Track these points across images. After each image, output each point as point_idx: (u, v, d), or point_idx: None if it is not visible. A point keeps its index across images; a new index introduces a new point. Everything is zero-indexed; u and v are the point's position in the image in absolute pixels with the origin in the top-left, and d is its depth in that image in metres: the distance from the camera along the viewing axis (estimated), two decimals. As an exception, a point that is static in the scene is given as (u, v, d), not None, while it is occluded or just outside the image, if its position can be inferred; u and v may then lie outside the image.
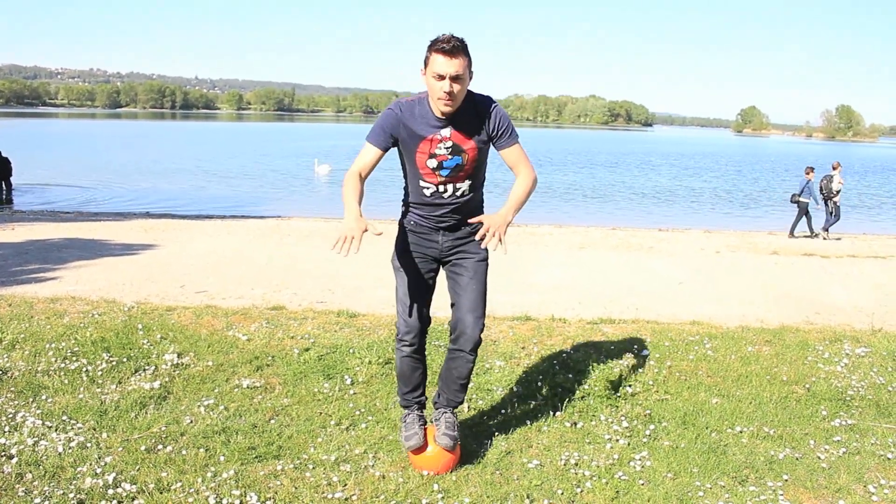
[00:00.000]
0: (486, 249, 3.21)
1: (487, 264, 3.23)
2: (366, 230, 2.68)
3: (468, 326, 3.13)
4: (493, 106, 3.04)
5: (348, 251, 2.62)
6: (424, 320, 3.19)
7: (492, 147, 3.10)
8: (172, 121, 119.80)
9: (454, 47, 2.80)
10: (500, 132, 3.05)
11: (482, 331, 3.16)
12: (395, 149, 3.11)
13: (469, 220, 3.07)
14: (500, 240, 2.85)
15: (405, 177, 3.18)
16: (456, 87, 2.85)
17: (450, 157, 3.01)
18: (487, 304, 3.24)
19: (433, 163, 3.02)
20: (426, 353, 3.37)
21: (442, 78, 2.84)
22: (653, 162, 45.28)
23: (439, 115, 2.96)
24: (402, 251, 3.22)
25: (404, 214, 3.24)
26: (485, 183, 3.25)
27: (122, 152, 37.64)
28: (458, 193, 3.09)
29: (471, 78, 2.93)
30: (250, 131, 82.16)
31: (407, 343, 3.18)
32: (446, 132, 2.98)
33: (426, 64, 2.88)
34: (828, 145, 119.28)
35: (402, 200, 3.26)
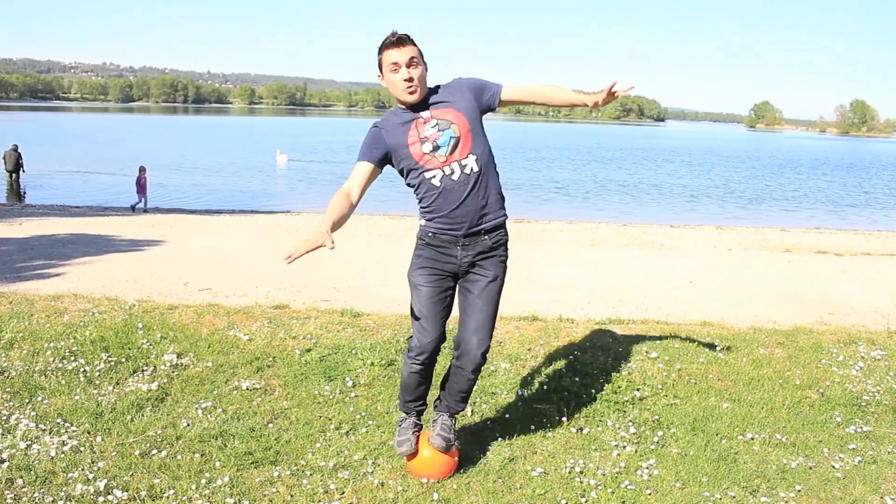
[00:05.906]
0: (503, 269, 3.11)
1: (501, 284, 3.11)
2: (321, 245, 2.63)
3: (471, 348, 3.03)
4: (461, 77, 3.08)
5: (290, 261, 2.62)
6: (439, 340, 3.04)
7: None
8: (184, 115, 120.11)
9: (400, 38, 2.89)
10: (483, 90, 3.05)
11: (487, 351, 3.06)
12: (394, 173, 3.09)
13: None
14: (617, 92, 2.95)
15: (413, 190, 3.06)
16: (414, 73, 2.89)
17: (440, 133, 2.93)
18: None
19: (428, 146, 2.94)
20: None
21: (398, 66, 2.88)
22: (657, 159, 44.93)
23: (411, 105, 2.97)
24: (419, 267, 3.08)
25: (422, 227, 3.10)
26: (494, 163, 3.09)
27: (125, 146, 37.75)
28: (468, 171, 2.95)
29: (426, 68, 2.96)
30: (249, 125, 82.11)
31: (418, 363, 3.05)
32: (426, 114, 2.97)
33: (381, 66, 2.94)
34: (841, 140, 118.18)
35: (419, 215, 3.12)
